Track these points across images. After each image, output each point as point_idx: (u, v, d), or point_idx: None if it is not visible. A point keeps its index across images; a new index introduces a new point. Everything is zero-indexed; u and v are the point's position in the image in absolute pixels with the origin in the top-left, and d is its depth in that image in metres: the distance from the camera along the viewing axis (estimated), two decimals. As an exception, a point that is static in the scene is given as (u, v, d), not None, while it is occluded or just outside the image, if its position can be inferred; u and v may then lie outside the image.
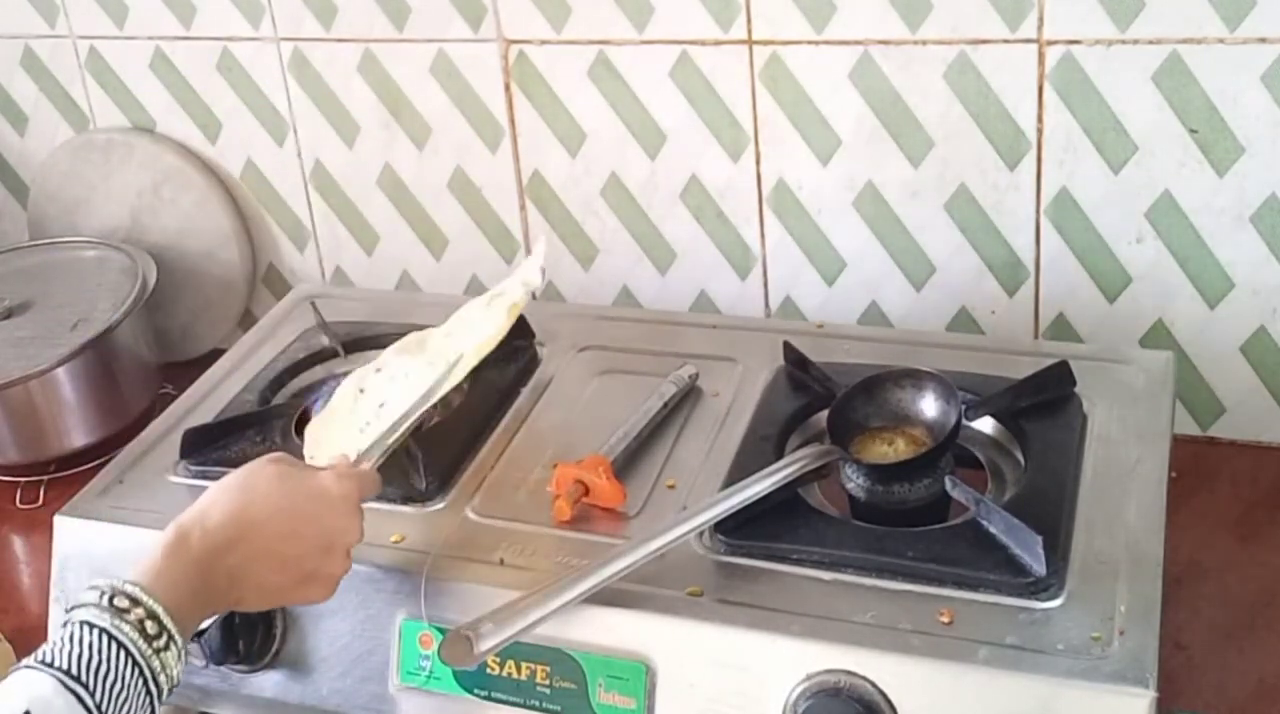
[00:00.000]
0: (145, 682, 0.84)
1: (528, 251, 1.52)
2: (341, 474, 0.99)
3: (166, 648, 0.86)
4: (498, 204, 1.51)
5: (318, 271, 1.64)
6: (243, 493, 0.94)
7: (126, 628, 0.84)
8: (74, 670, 0.82)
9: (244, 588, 0.93)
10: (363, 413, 1.12)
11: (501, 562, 1.04)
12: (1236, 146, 1.22)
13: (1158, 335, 1.32)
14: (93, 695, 0.81)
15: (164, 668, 0.86)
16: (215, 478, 0.99)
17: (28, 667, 0.83)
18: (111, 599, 0.85)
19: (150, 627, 0.85)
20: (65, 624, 0.85)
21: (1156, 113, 1.23)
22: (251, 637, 1.06)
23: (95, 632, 0.84)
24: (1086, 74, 1.23)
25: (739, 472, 1.08)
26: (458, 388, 1.27)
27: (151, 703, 0.85)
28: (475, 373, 1.26)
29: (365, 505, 0.99)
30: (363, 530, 0.98)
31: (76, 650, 0.83)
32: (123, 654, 0.84)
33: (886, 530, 1.02)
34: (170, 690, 0.87)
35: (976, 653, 0.91)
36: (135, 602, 0.86)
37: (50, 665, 0.82)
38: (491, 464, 1.16)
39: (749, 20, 1.32)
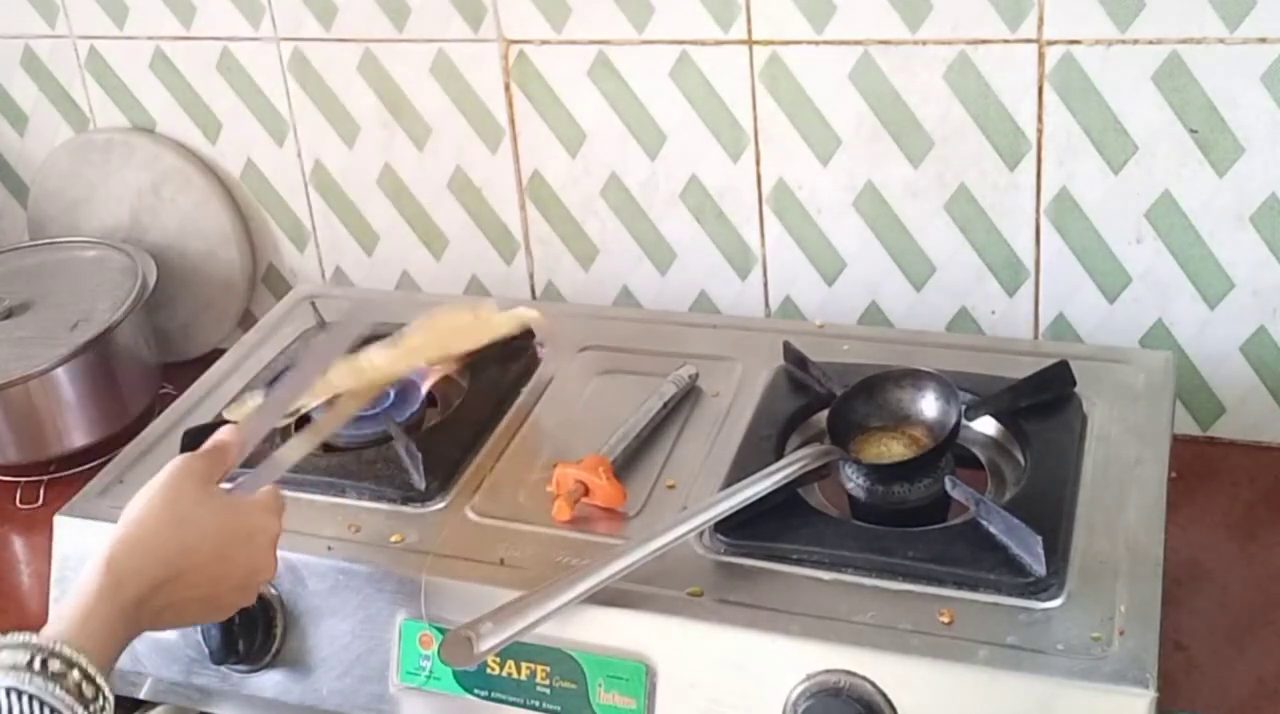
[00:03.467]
0: None
1: (528, 252, 1.52)
2: (269, 508, 0.97)
3: (103, 710, 0.83)
4: (498, 204, 1.51)
5: (318, 271, 1.64)
6: (179, 528, 0.92)
7: (63, 694, 0.81)
8: None
9: (161, 621, 0.92)
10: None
11: (501, 562, 1.04)
12: (1236, 146, 1.22)
13: (1158, 335, 1.32)
14: None
15: None
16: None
17: None
18: (44, 663, 0.81)
19: (87, 690, 0.82)
20: None
21: (1156, 113, 1.23)
22: (251, 637, 1.06)
23: (28, 700, 0.79)
24: (1086, 74, 1.23)
25: (739, 472, 1.08)
26: (458, 388, 1.28)
27: None
28: (475, 372, 1.27)
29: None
30: (276, 568, 0.98)
31: None
32: None
33: (886, 530, 1.02)
34: None
35: (976, 653, 0.91)
36: (70, 664, 0.82)
37: None
38: (491, 464, 1.16)
39: (749, 20, 1.32)
